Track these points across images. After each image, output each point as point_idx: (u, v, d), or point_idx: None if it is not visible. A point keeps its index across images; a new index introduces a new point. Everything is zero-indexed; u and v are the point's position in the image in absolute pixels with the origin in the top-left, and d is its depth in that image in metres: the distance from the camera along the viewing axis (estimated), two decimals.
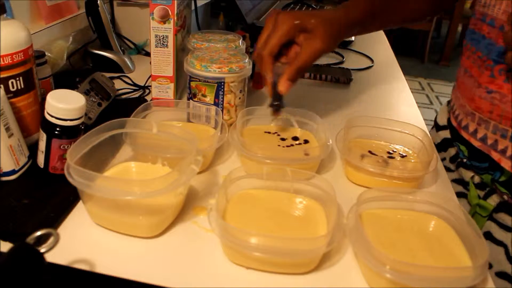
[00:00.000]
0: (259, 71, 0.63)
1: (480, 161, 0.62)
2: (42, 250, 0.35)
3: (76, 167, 0.43)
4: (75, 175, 0.43)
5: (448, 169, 0.71)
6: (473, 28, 0.65)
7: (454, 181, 0.69)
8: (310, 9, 1.41)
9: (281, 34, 0.58)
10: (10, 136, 0.51)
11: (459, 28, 4.44)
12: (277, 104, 0.63)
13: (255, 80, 0.88)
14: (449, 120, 0.73)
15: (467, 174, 0.66)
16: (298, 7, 1.43)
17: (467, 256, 0.45)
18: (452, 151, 0.71)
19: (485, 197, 0.62)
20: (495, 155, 0.58)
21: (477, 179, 0.64)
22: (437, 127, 0.78)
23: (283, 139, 0.65)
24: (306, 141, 0.65)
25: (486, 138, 0.60)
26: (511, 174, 0.58)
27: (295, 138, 0.65)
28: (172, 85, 0.76)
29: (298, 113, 0.67)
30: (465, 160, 0.66)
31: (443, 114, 0.77)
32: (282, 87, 0.60)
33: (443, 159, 0.72)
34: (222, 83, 0.65)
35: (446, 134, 0.74)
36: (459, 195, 0.67)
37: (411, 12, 0.71)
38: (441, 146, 0.74)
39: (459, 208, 0.49)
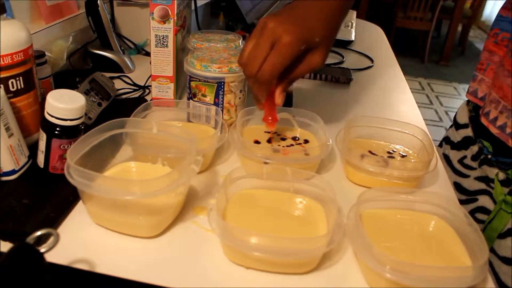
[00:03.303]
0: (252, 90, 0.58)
1: (506, 156, 0.62)
2: (42, 250, 0.35)
3: (76, 167, 0.43)
4: (75, 175, 0.43)
5: (469, 167, 0.71)
6: (508, 15, 0.64)
7: (477, 178, 0.69)
8: None
9: (286, 59, 0.52)
10: (10, 136, 0.51)
11: (459, 28, 4.44)
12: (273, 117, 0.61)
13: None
14: (471, 118, 0.72)
15: (492, 171, 0.65)
16: None
17: (467, 256, 0.45)
18: (474, 149, 0.70)
19: (510, 193, 0.61)
20: (511, 143, 0.59)
21: (501, 175, 0.63)
22: (456, 125, 0.77)
23: (283, 139, 0.65)
24: (306, 141, 0.65)
25: (505, 127, 0.60)
26: None
27: (295, 138, 0.65)
28: (172, 85, 0.76)
29: (298, 113, 0.67)
30: (490, 156, 0.65)
31: (463, 112, 0.76)
32: (279, 100, 0.58)
33: (463, 157, 0.72)
34: (222, 83, 0.65)
35: (467, 132, 0.73)
36: (482, 192, 0.67)
37: None
38: (461, 144, 0.73)
39: (459, 208, 0.49)
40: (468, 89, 0.74)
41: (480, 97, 0.70)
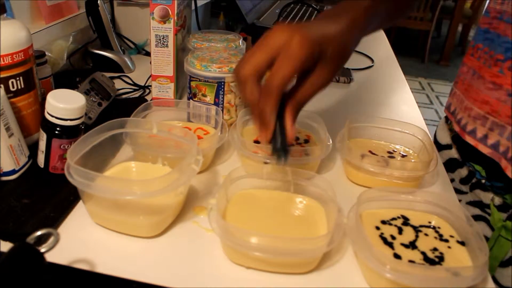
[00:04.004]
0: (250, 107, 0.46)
1: (501, 179, 0.57)
2: (42, 250, 0.35)
3: (76, 167, 0.43)
4: (75, 175, 0.43)
5: (458, 191, 0.66)
6: (486, 27, 0.61)
7: (470, 203, 0.64)
8: (310, 9, 1.41)
9: (302, 59, 0.42)
10: (10, 136, 0.51)
11: (459, 28, 4.44)
12: (284, 147, 0.46)
13: None
14: (453, 137, 0.67)
15: (486, 196, 0.60)
16: (298, 7, 1.43)
17: (467, 256, 0.45)
18: (463, 172, 0.65)
19: (510, 218, 0.57)
20: (504, 163, 0.55)
21: (497, 200, 0.59)
22: (438, 146, 0.72)
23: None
24: (306, 141, 0.65)
25: (498, 145, 0.55)
26: None
27: (295, 138, 0.65)
28: (172, 85, 0.76)
29: None
30: (483, 181, 0.60)
31: (443, 132, 0.72)
32: (291, 134, 0.46)
33: (451, 180, 0.65)
34: (222, 83, 0.65)
35: (451, 154, 0.68)
36: (477, 218, 0.62)
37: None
38: (446, 167, 0.67)
39: (459, 208, 0.49)
40: (446, 105, 0.70)
41: (451, 111, 0.67)
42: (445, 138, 0.72)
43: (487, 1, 0.73)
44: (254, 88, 0.43)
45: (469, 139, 0.60)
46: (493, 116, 0.56)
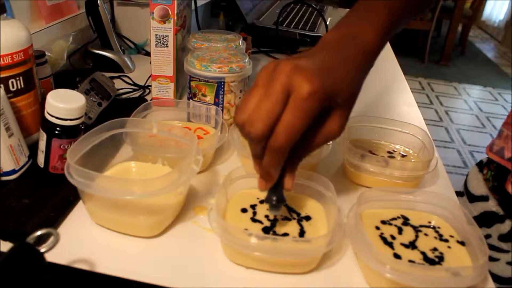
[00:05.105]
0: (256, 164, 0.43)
1: None
2: (42, 250, 0.35)
3: (76, 166, 0.43)
4: (75, 175, 0.43)
5: (497, 249, 0.58)
6: None
7: (511, 264, 0.56)
8: (310, 9, 1.41)
9: (309, 116, 0.37)
10: (10, 136, 0.51)
11: (459, 28, 4.44)
12: (279, 198, 0.44)
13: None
14: (493, 188, 0.58)
15: None
16: (298, 7, 1.43)
17: (467, 256, 0.45)
18: (503, 228, 0.57)
19: None
20: None
21: None
22: (470, 197, 0.63)
23: None
24: None
25: None
26: None
27: None
28: (172, 85, 0.76)
29: None
30: None
31: (477, 182, 0.63)
32: (289, 184, 0.43)
33: (486, 236, 0.57)
34: (222, 83, 0.65)
35: (488, 206, 0.60)
36: None
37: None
38: (481, 221, 0.60)
39: (459, 208, 0.49)
40: (491, 147, 0.59)
41: (508, 158, 0.55)
42: (479, 189, 0.63)
43: None
44: (261, 146, 0.39)
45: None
46: None
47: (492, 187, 0.59)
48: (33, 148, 0.55)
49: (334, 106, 0.39)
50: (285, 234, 0.46)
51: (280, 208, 0.45)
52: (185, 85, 0.75)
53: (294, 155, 0.41)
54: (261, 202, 0.50)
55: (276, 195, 0.44)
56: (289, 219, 0.48)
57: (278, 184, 0.44)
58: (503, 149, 0.57)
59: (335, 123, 0.40)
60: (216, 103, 0.67)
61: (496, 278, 0.60)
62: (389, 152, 0.64)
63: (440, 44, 4.44)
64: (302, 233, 0.46)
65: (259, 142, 0.38)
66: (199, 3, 1.10)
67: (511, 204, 0.52)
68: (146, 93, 0.83)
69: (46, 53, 0.67)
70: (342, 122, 0.40)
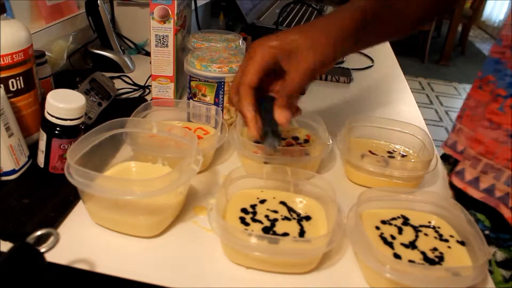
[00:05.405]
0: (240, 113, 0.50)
1: (507, 231, 0.51)
2: (42, 249, 0.35)
3: (76, 166, 0.43)
4: (75, 175, 0.43)
5: None
6: (498, 57, 0.54)
7: None
8: (310, 9, 1.41)
9: (260, 61, 0.47)
10: (10, 136, 0.51)
11: (459, 28, 4.44)
12: (275, 137, 0.50)
13: None
14: (451, 183, 0.59)
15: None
16: (298, 7, 1.43)
17: (467, 256, 0.45)
18: None
19: None
20: (505, 211, 0.49)
21: (500, 255, 0.52)
22: None
23: (283, 139, 0.65)
24: (306, 141, 0.65)
25: (493, 189, 0.50)
26: None
27: (295, 138, 0.65)
28: (172, 85, 0.76)
29: None
30: (487, 232, 0.54)
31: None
32: (280, 117, 0.49)
33: None
34: (222, 83, 0.65)
35: None
36: None
37: (406, 21, 0.58)
38: None
39: (459, 208, 0.49)
40: (446, 141, 0.61)
41: (459, 151, 0.59)
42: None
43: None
44: (234, 97, 0.50)
45: (456, 181, 0.55)
46: (487, 158, 0.51)
47: (450, 183, 0.59)
48: (33, 148, 0.55)
49: (293, 47, 0.48)
50: (285, 234, 0.46)
51: (276, 147, 0.50)
52: (185, 85, 0.75)
53: (276, 95, 0.50)
54: (261, 202, 0.51)
55: (271, 133, 0.50)
56: (289, 219, 0.48)
57: (273, 126, 0.50)
58: (456, 143, 0.59)
59: (303, 58, 0.48)
60: (216, 103, 0.67)
61: None
62: (389, 152, 0.64)
63: (440, 44, 4.44)
64: (302, 233, 0.46)
65: (234, 87, 0.50)
66: (199, 3, 1.10)
67: (462, 198, 0.53)
68: (146, 93, 0.83)
69: (46, 53, 0.67)
70: (312, 56, 0.48)
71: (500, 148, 0.50)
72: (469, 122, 0.57)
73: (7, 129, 0.50)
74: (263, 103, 0.51)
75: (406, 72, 1.08)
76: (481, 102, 0.55)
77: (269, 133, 0.49)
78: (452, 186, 0.58)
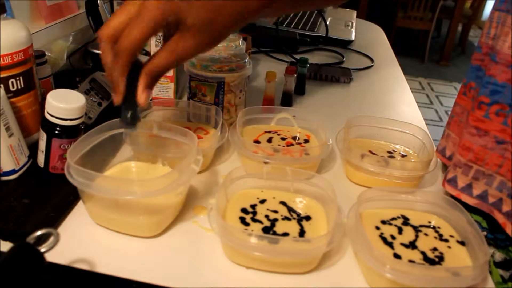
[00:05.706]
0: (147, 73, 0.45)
1: (503, 231, 0.51)
2: (42, 249, 0.35)
3: (76, 166, 0.43)
4: (75, 175, 0.43)
5: None
6: (478, 64, 0.54)
7: None
8: None
9: (149, 25, 0.41)
10: (10, 135, 0.51)
11: (459, 28, 4.44)
12: (132, 114, 0.48)
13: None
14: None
15: None
16: None
17: (467, 256, 0.45)
18: None
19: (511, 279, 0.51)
20: (500, 217, 0.50)
21: (499, 256, 0.52)
22: None
23: (283, 139, 0.65)
24: (306, 141, 0.65)
25: (486, 195, 0.51)
26: None
27: (295, 138, 0.65)
28: (172, 85, 0.76)
29: (298, 112, 0.67)
30: (485, 233, 0.54)
31: None
32: (142, 99, 0.46)
33: None
34: (222, 83, 0.65)
35: None
36: None
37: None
38: None
39: (459, 208, 0.48)
40: (437, 147, 0.63)
41: (447, 157, 0.60)
42: None
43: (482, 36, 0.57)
44: (107, 51, 0.43)
45: (448, 189, 0.55)
46: (477, 165, 0.51)
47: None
48: (33, 148, 0.55)
49: (183, 27, 0.42)
50: (285, 234, 0.46)
51: (134, 127, 0.47)
52: (185, 85, 0.75)
53: (145, 69, 0.45)
54: (261, 202, 0.51)
55: (130, 110, 0.47)
56: (289, 219, 0.48)
57: (133, 101, 0.46)
58: (445, 148, 0.61)
59: (182, 43, 0.43)
60: (216, 103, 0.67)
61: None
62: (389, 152, 0.64)
63: (440, 44, 4.44)
64: (302, 233, 0.46)
65: (105, 44, 0.43)
66: None
67: (457, 201, 0.53)
68: None
69: (46, 53, 0.67)
70: (191, 45, 0.43)
71: (489, 154, 0.50)
72: (456, 128, 0.58)
73: (7, 129, 0.50)
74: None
75: (406, 72, 1.08)
76: (466, 109, 0.56)
77: (128, 110, 0.47)
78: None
